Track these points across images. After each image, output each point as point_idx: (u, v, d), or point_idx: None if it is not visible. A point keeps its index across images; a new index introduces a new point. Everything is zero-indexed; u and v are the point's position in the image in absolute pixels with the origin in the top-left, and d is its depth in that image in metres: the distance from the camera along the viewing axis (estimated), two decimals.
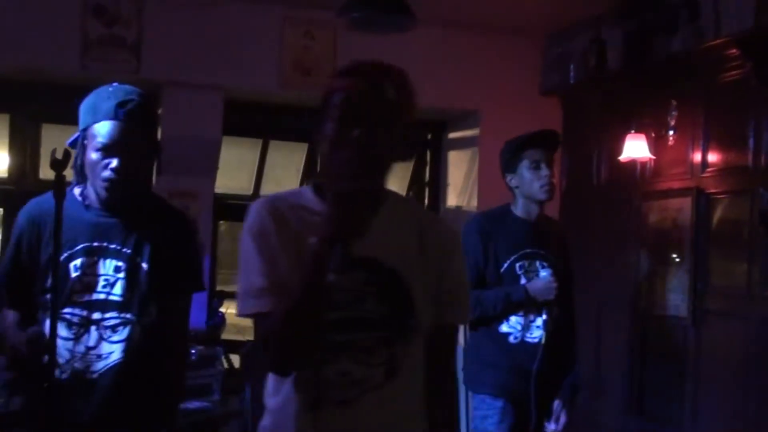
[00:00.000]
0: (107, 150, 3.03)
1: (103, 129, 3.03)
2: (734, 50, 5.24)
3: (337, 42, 6.53)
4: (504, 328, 4.51)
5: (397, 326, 2.33)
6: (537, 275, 4.53)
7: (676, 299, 5.70)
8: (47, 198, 3.08)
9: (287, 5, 6.52)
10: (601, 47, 6.41)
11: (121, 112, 3.03)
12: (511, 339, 4.51)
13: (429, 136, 7.67)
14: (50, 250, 2.98)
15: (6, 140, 6.67)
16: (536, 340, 4.48)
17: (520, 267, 4.54)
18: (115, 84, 3.18)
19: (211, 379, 5.97)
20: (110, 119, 3.03)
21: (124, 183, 3.07)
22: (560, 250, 4.68)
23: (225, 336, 6.71)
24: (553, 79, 7.01)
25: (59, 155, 2.91)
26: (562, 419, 4.52)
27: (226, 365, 6.50)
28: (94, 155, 3.04)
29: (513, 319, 4.48)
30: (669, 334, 5.80)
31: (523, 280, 4.52)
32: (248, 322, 8.35)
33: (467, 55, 6.85)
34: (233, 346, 6.76)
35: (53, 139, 6.48)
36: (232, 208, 7.35)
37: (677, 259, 5.74)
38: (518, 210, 4.59)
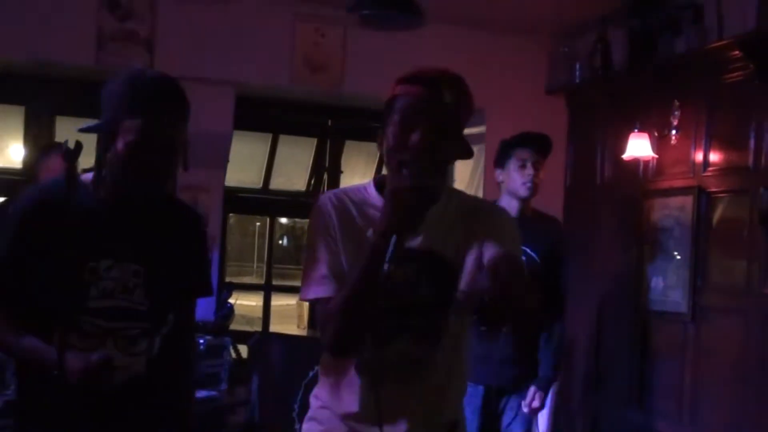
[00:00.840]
0: (139, 146, 2.68)
1: (137, 123, 2.67)
2: (736, 52, 5.24)
3: (346, 39, 6.56)
4: None
5: (442, 303, 2.48)
6: None
7: (677, 295, 5.71)
8: (54, 187, 2.80)
9: (298, 3, 6.54)
10: (606, 48, 6.43)
11: (157, 105, 2.70)
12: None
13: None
14: (61, 248, 2.66)
15: (21, 132, 6.71)
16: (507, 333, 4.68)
17: None
18: (149, 71, 2.90)
19: (219, 369, 6.01)
20: (147, 113, 2.69)
21: (154, 180, 2.79)
22: (545, 248, 4.71)
23: (233, 327, 6.74)
24: (559, 78, 7.01)
25: (71, 145, 2.81)
26: (535, 403, 4.71)
27: (233, 355, 6.53)
28: (124, 150, 2.69)
29: None
30: (669, 329, 5.81)
31: None
32: (256, 313, 8.44)
33: (474, 53, 6.83)
34: (241, 337, 6.80)
35: (67, 131, 6.48)
36: (241, 201, 7.39)
37: (678, 256, 5.75)
38: (503, 205, 4.56)
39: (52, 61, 6.23)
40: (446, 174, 2.59)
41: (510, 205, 4.58)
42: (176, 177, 2.98)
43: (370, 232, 2.39)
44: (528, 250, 4.64)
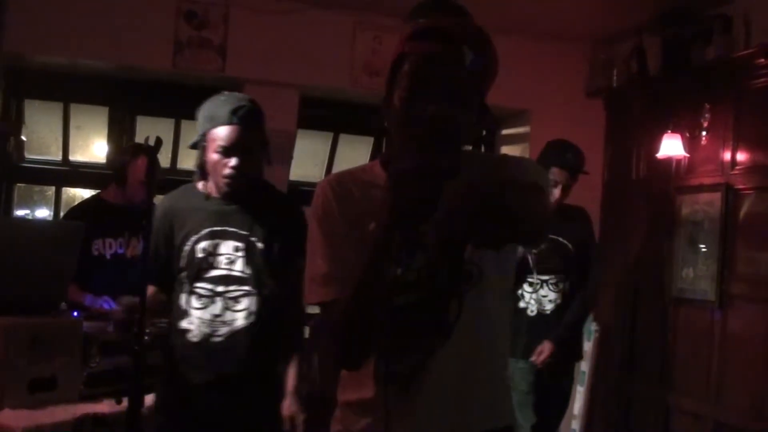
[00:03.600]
0: (226, 151, 3.28)
1: (221, 132, 3.27)
2: (762, 59, 5.27)
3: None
4: (521, 304, 5.07)
5: (450, 282, 1.97)
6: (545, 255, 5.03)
7: (705, 284, 5.72)
8: (176, 194, 3.53)
9: (359, 12, 6.61)
10: (642, 54, 6.47)
11: (236, 118, 3.27)
12: (529, 312, 5.08)
13: (484, 133, 7.72)
14: (182, 235, 3.36)
15: (105, 130, 6.82)
16: (548, 311, 5.06)
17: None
18: (226, 92, 3.43)
19: None
20: (227, 124, 3.27)
21: (241, 177, 3.32)
22: (576, 235, 5.08)
23: None
24: (598, 82, 7.03)
25: (152, 142, 3.17)
26: (542, 356, 4.97)
27: None
28: (215, 156, 3.30)
29: (526, 295, 5.05)
30: (697, 316, 5.83)
31: (530, 262, 5.00)
32: None
33: (520, 59, 6.88)
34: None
35: (146, 129, 6.61)
36: (304, 193, 7.49)
37: (707, 248, 5.76)
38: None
39: (134, 65, 6.36)
40: (464, 146, 2.05)
41: None
42: (263, 170, 3.49)
43: (371, 226, 1.83)
44: (560, 239, 4.97)
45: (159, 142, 3.18)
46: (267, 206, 3.44)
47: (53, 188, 6.88)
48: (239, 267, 3.33)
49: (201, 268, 3.33)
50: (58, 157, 6.82)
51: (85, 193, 6.71)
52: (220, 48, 6.40)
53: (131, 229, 5.05)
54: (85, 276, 4.66)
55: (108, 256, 5.03)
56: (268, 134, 3.46)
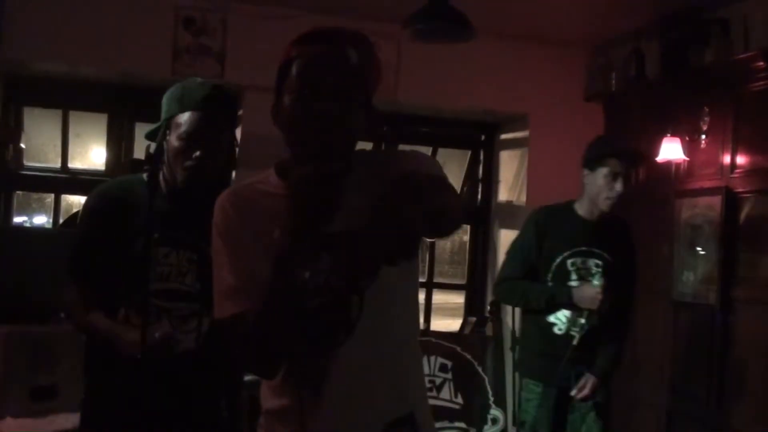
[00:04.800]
0: (190, 138, 2.94)
1: (188, 118, 2.93)
2: (761, 63, 5.26)
3: (401, 51, 6.59)
4: (551, 318, 4.47)
5: (351, 279, 1.87)
6: (589, 274, 4.43)
7: (706, 288, 5.70)
8: (123, 184, 3.11)
9: (356, 18, 6.56)
10: (640, 58, 6.46)
11: (206, 104, 2.95)
12: (556, 330, 4.46)
13: (483, 137, 7.74)
14: (137, 240, 2.92)
15: (104, 137, 6.82)
16: (579, 335, 4.42)
17: (572, 264, 4.47)
18: (200, 79, 3.12)
19: None
20: (196, 110, 2.94)
21: (203, 172, 2.97)
22: (620, 249, 4.56)
23: None
24: (597, 86, 7.03)
25: (153, 150, 2.96)
26: (585, 391, 4.44)
27: None
28: (177, 143, 2.95)
29: (561, 311, 4.44)
30: (699, 319, 5.80)
31: (574, 277, 4.45)
32: None
33: (519, 63, 6.92)
34: None
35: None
36: None
37: (707, 252, 5.73)
38: (581, 207, 4.49)
39: (133, 72, 6.37)
40: (354, 147, 2.08)
41: (592, 209, 4.44)
42: (229, 176, 3.21)
43: (275, 233, 1.86)
44: (605, 254, 4.48)
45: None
46: None
47: (52, 195, 6.87)
48: (189, 281, 2.99)
49: (149, 279, 2.93)
50: (57, 165, 6.81)
51: (84, 200, 6.70)
52: (219, 54, 6.41)
53: None
54: None
55: None
56: (243, 137, 3.18)
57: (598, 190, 4.40)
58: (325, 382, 2.01)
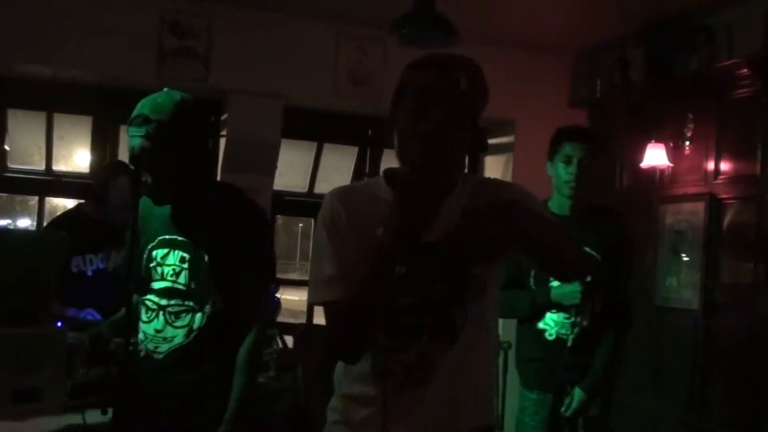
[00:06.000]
0: (135, 162, 2.91)
1: (130, 140, 2.93)
2: (745, 70, 5.30)
3: (387, 56, 6.59)
4: (541, 324, 4.30)
5: (455, 292, 2.17)
6: None
7: (689, 293, 5.74)
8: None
9: (342, 23, 6.63)
10: (625, 65, 6.49)
11: (140, 129, 2.90)
12: (547, 335, 4.30)
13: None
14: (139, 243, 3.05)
15: (88, 140, 6.81)
16: (572, 338, 4.25)
17: None
18: (164, 90, 3.02)
19: (268, 357, 6.12)
20: (133, 133, 2.92)
21: (160, 195, 3.00)
22: (607, 244, 4.23)
23: (280, 319, 6.85)
24: (582, 92, 7.07)
25: (137, 153, 3.02)
26: (573, 407, 4.27)
27: (280, 345, 6.63)
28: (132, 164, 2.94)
29: (548, 316, 4.27)
30: (682, 324, 5.82)
31: None
32: (301, 307, 8.49)
33: (504, 69, 6.88)
34: (287, 328, 6.88)
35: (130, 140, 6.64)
36: (288, 204, 7.45)
37: (690, 258, 5.77)
38: (554, 204, 4.29)
39: (118, 75, 6.35)
40: (461, 166, 2.25)
41: (560, 202, 4.24)
42: (204, 175, 3.16)
43: (378, 231, 1.99)
44: (588, 250, 4.10)
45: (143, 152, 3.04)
46: (221, 213, 3.05)
47: (36, 198, 6.85)
48: (183, 280, 3.03)
49: (151, 278, 3.08)
50: (41, 167, 6.79)
51: (68, 203, 6.69)
52: (204, 58, 6.40)
53: (112, 242, 5.01)
54: (66, 292, 4.51)
55: (89, 273, 4.98)
56: (229, 140, 3.19)
57: (557, 177, 4.24)
58: (416, 380, 2.19)
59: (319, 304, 2.23)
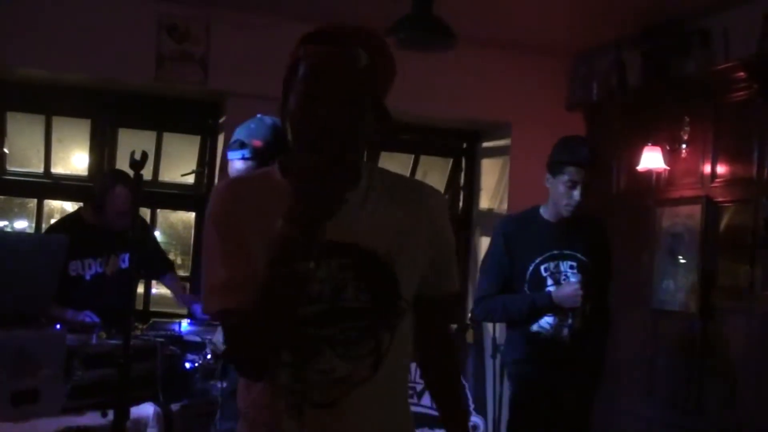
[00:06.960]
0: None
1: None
2: (741, 73, 5.30)
3: None
4: (535, 327, 4.35)
5: (381, 313, 1.94)
6: (564, 277, 4.33)
7: (685, 296, 5.73)
8: None
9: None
10: (621, 68, 6.49)
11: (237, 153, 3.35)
12: (541, 337, 4.35)
13: (464, 145, 7.76)
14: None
15: (87, 143, 6.82)
16: (566, 339, 4.34)
17: (545, 269, 4.36)
18: (255, 121, 3.44)
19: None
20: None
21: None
22: (594, 249, 4.44)
23: None
24: (578, 95, 7.07)
25: (137, 156, 3.05)
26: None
27: None
28: None
29: (543, 318, 4.33)
30: (679, 327, 5.82)
31: (549, 282, 4.34)
32: None
33: (501, 72, 6.93)
34: None
35: (128, 142, 6.65)
36: None
37: (687, 261, 5.76)
38: (547, 211, 4.41)
39: (116, 78, 6.38)
40: (363, 150, 2.01)
41: (555, 212, 4.36)
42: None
43: (278, 223, 1.69)
44: (577, 255, 4.36)
45: (144, 156, 3.09)
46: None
47: (35, 200, 6.85)
48: None
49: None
50: (40, 170, 6.80)
51: (66, 206, 6.70)
52: (202, 61, 6.41)
53: (110, 247, 5.04)
54: (64, 295, 4.52)
55: (87, 277, 5.00)
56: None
57: (559, 196, 4.32)
58: (337, 406, 1.93)
59: (213, 314, 1.96)
